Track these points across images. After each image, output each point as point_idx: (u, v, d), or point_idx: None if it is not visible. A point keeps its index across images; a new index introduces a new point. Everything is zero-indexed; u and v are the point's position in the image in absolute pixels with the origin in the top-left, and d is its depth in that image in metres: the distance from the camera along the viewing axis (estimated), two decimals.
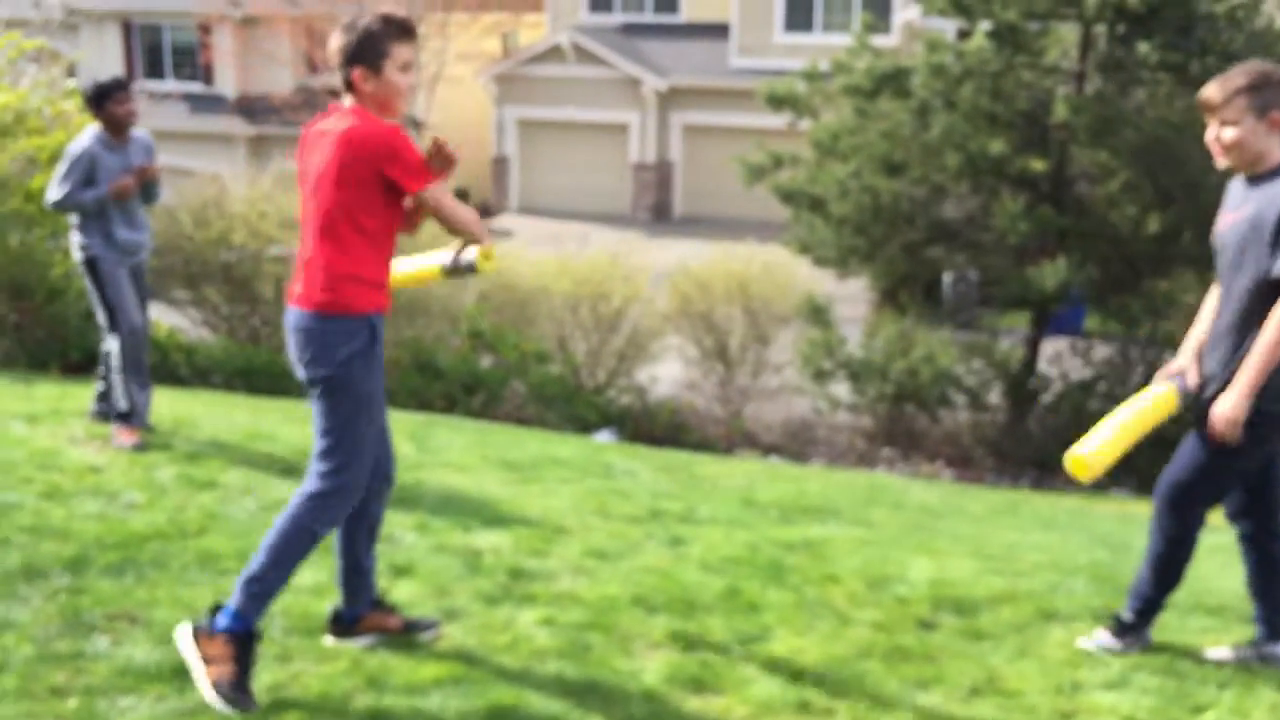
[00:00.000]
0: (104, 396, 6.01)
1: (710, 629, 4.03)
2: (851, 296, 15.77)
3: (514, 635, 3.85)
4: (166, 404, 6.93)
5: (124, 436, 5.65)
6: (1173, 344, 12.38)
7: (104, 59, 26.73)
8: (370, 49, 3.32)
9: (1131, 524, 7.11)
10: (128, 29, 28.02)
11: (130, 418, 5.71)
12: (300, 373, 3.46)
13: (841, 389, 12.60)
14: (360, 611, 3.71)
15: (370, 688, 3.44)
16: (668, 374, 13.33)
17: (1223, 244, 3.76)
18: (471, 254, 3.59)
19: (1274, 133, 3.60)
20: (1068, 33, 12.65)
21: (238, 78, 27.44)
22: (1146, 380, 12.50)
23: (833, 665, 3.78)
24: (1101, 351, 12.83)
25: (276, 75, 27.05)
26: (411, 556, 4.48)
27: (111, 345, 5.79)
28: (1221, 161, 3.70)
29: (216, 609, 3.37)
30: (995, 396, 12.77)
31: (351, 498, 3.43)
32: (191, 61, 27.77)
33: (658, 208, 26.69)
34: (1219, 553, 5.82)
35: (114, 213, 5.75)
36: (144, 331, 5.80)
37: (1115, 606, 4.49)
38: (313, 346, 3.36)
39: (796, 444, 12.32)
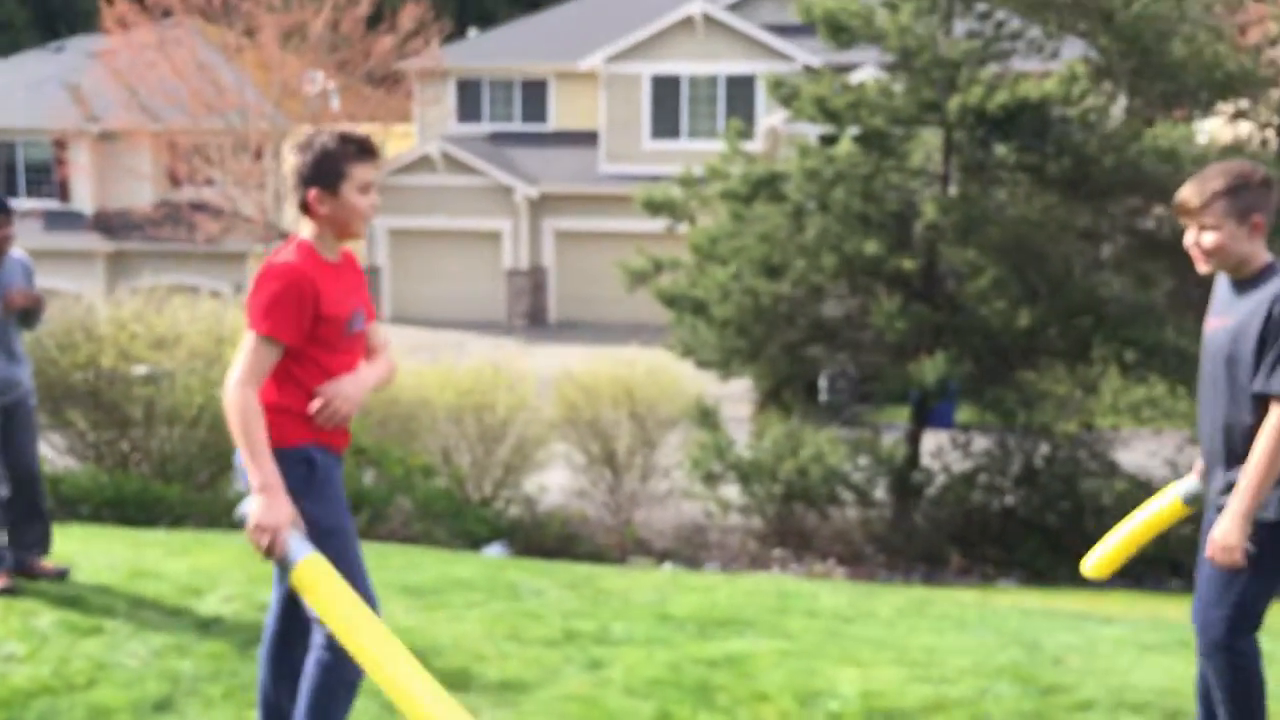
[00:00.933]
0: None
1: None
2: (734, 397, 15.88)
3: None
4: None
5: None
6: (1047, 433, 12.74)
7: None
8: (327, 169, 3.18)
9: (1033, 618, 7.17)
10: None
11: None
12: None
13: (731, 491, 12.59)
14: None
15: None
16: (555, 482, 13.16)
17: (1207, 351, 3.58)
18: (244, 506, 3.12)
19: (1255, 236, 3.45)
20: (930, 137, 13.14)
21: (95, 193, 26.74)
22: (1025, 469, 12.81)
23: None
24: (980, 443, 13.11)
25: (137, 190, 26.45)
26: None
27: None
28: (1202, 267, 3.53)
29: None
30: (881, 492, 12.92)
31: None
32: (47, 178, 26.98)
33: (533, 314, 26.70)
34: (1129, 646, 5.88)
35: None
36: (15, 479, 5.31)
37: (1044, 711, 4.47)
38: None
39: (689, 548, 12.22)
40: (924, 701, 4.49)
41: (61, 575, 5.46)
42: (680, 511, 12.98)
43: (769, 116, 24.35)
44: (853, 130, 12.53)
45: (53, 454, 10.49)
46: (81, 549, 6.44)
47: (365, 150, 3.22)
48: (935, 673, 4.93)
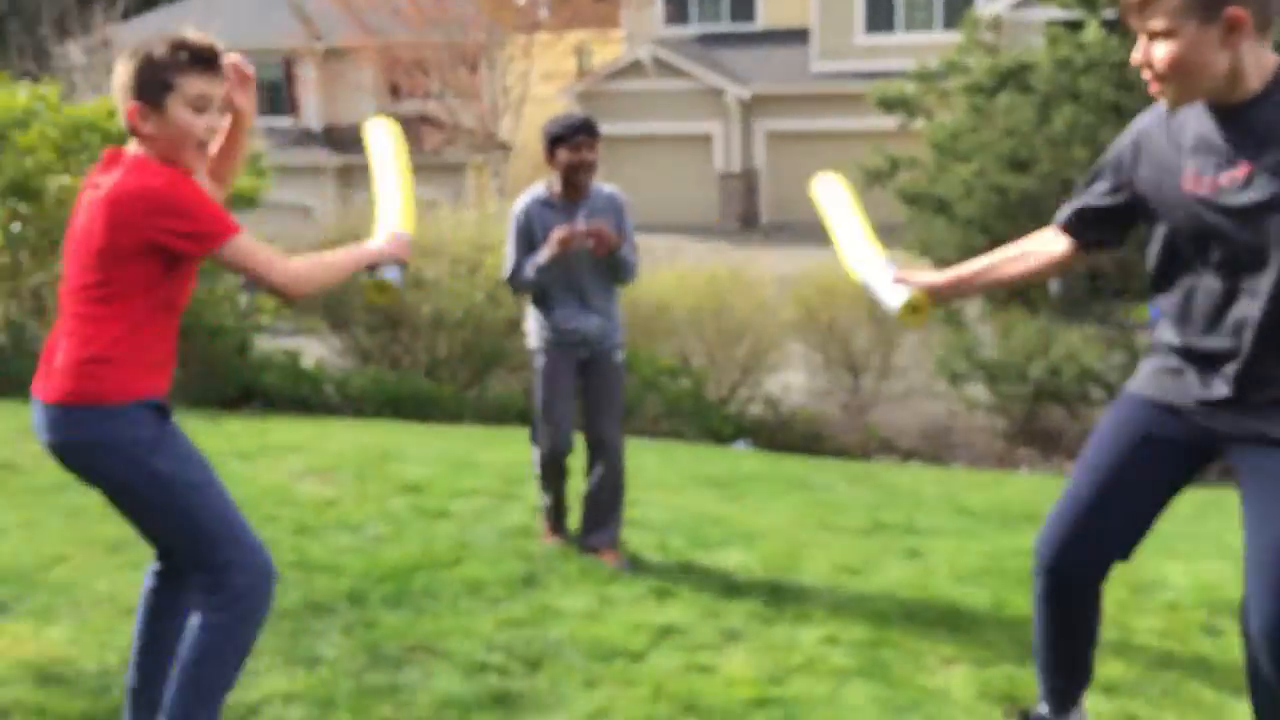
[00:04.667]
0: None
1: (995, 643, 3.98)
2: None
3: (806, 655, 3.82)
4: (352, 437, 7.02)
5: (546, 538, 4.90)
6: None
7: None
8: (150, 80, 2.66)
9: None
10: None
11: (548, 516, 4.90)
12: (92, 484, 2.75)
13: (976, 390, 12.46)
14: None
15: (687, 713, 3.43)
16: (793, 382, 13.30)
17: (1217, 215, 2.40)
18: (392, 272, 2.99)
19: (1236, 39, 2.29)
20: None
21: (322, 109, 27.86)
22: None
23: (1148, 681, 3.72)
24: None
25: (361, 104, 27.40)
26: (666, 579, 4.48)
27: (532, 452, 4.79)
28: (1164, 99, 2.42)
29: None
30: None
31: (263, 586, 2.79)
32: (278, 96, 28.24)
33: (744, 217, 26.67)
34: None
35: (558, 292, 4.52)
36: (567, 451, 4.66)
37: None
38: (84, 452, 2.69)
39: (934, 447, 12.18)
40: None
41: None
42: (920, 412, 12.94)
43: (991, 4, 23.40)
44: (1107, 14, 11.97)
45: (331, 355, 11.20)
46: (399, 442, 6.93)
47: (200, 59, 2.68)
48: None
